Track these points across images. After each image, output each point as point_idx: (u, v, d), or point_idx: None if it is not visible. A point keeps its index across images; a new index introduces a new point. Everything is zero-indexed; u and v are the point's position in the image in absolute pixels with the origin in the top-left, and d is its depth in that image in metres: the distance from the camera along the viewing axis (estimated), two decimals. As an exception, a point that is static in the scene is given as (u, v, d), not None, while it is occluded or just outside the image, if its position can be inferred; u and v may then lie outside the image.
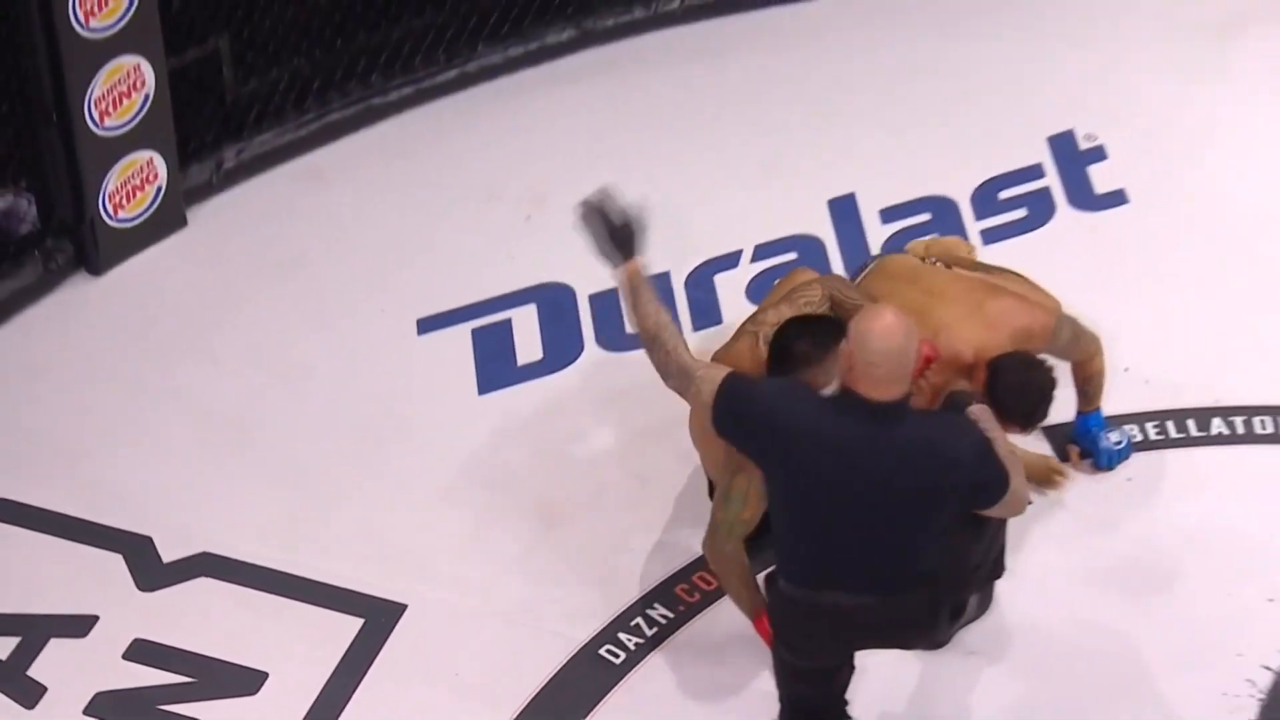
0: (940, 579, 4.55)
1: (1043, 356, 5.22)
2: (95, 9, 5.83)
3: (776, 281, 5.53)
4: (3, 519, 5.53)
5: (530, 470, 5.62)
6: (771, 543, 4.61)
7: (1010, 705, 5.04)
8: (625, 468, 5.59)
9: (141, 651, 5.22)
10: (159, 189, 6.23)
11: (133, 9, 5.89)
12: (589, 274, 6.11)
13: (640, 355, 5.83)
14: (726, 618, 5.20)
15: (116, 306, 6.14)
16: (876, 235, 6.14)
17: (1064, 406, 5.48)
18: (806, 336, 4.85)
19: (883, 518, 4.41)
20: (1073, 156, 6.40)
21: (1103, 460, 5.50)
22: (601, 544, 5.42)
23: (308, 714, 5.09)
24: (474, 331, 6.02)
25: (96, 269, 6.20)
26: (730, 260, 6.14)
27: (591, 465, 5.60)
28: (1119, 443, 5.51)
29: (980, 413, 4.58)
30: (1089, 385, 5.46)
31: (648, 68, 6.79)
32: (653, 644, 5.19)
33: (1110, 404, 5.54)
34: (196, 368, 5.93)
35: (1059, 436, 5.54)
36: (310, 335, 6.01)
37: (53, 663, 5.20)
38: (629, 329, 5.96)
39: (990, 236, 6.14)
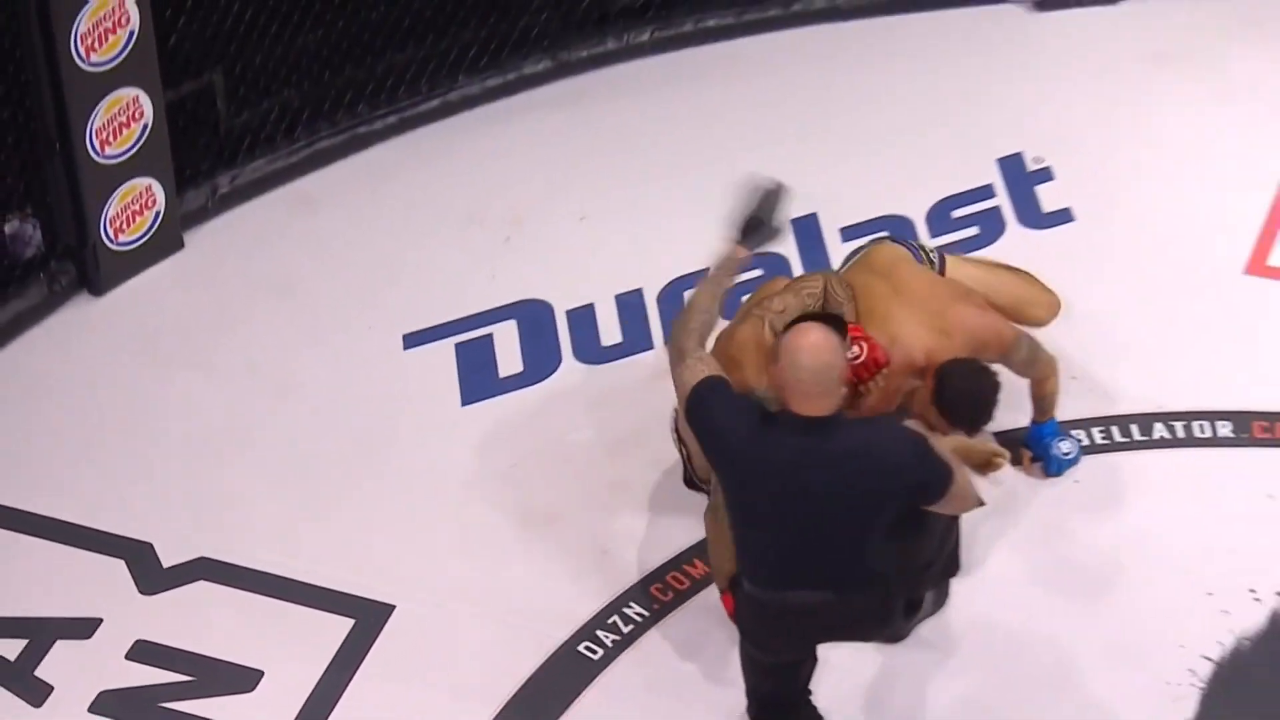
0: (893, 576, 4.57)
1: (995, 367, 5.25)
2: (96, 44, 5.83)
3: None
4: (10, 527, 5.52)
5: (512, 477, 5.62)
6: None
7: (964, 696, 5.05)
8: (602, 474, 5.59)
9: (143, 652, 5.21)
10: (157, 214, 6.23)
11: (131, 44, 5.90)
12: (566, 291, 6.14)
13: (614, 367, 5.91)
14: (697, 615, 5.21)
15: (117, 325, 6.13)
16: (837, 252, 6.15)
17: (1021, 414, 5.52)
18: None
19: (828, 524, 4.41)
20: (1021, 178, 6.42)
21: (1052, 467, 5.51)
22: (580, 546, 5.42)
23: (301, 710, 5.08)
24: (457, 346, 6.02)
25: (98, 290, 6.20)
26: (700, 276, 6.13)
27: (570, 472, 5.60)
28: (1069, 453, 5.51)
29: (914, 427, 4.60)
30: (1043, 401, 5.48)
31: (619, 96, 6.80)
32: (629, 640, 5.19)
33: (1060, 410, 5.55)
34: (193, 382, 5.92)
35: (1014, 442, 5.55)
36: (302, 351, 6.01)
37: (59, 663, 5.19)
38: (603, 343, 6.01)
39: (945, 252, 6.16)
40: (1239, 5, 6.98)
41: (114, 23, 5.84)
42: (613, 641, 5.19)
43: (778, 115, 6.69)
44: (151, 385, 5.92)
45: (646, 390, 5.60)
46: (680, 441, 5.34)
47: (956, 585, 5.18)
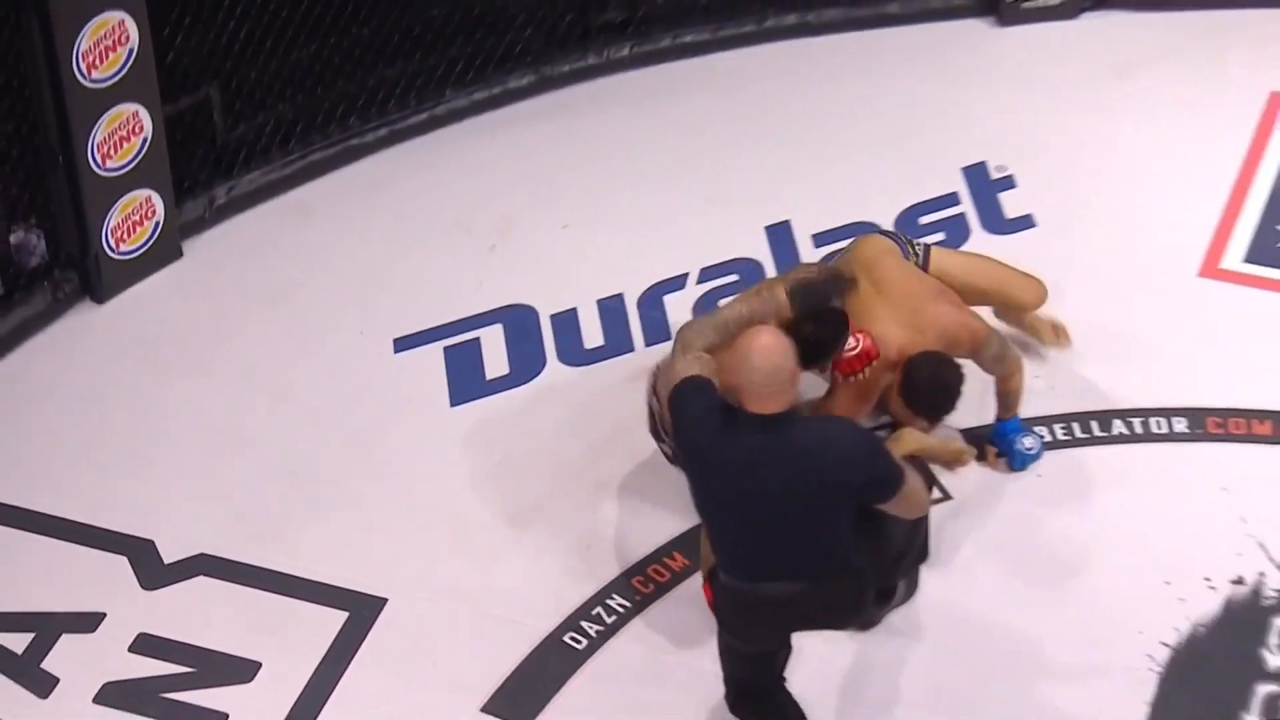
0: (863, 566, 4.58)
1: (961, 361, 5.26)
2: (97, 61, 5.82)
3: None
4: (17, 525, 5.51)
5: (499, 475, 5.61)
6: None
7: (933, 681, 5.05)
8: (585, 472, 5.59)
9: (145, 645, 5.20)
10: (157, 224, 6.22)
11: (131, 61, 5.89)
12: (550, 296, 6.15)
13: (597, 369, 5.91)
14: (677, 606, 5.22)
15: (119, 331, 6.12)
16: (810, 257, 6.16)
17: (987, 411, 5.54)
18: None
19: (789, 518, 4.43)
20: (985, 185, 6.43)
21: (1015, 462, 5.52)
22: (564, 541, 5.42)
23: (298, 700, 5.07)
24: (446, 350, 6.01)
25: (100, 297, 6.19)
26: (678, 282, 6.15)
27: (554, 469, 5.60)
28: (1031, 448, 5.52)
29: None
30: (1008, 398, 5.50)
31: (600, 109, 6.80)
32: (612, 631, 5.19)
33: (1023, 407, 5.56)
34: (193, 386, 5.91)
35: (979, 438, 5.56)
36: (297, 355, 6.00)
37: (64, 656, 5.18)
38: (587, 346, 6.02)
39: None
40: (1190, 21, 7.00)
41: (114, 41, 5.83)
42: (596, 632, 5.19)
43: (752, 127, 6.69)
44: (152, 389, 5.91)
45: (628, 391, 5.60)
46: (654, 393, 5.30)
47: (926, 575, 5.18)
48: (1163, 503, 5.44)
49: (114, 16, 5.80)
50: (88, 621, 5.25)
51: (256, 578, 5.35)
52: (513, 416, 5.79)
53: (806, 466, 4.37)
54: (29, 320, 6.09)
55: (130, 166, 6.05)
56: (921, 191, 6.37)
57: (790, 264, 6.15)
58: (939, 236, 6.22)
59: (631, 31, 6.93)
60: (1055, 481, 5.51)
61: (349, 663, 5.15)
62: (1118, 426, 5.65)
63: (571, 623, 5.21)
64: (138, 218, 6.15)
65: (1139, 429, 5.63)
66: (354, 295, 6.19)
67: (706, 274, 6.16)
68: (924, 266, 5.50)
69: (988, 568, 5.26)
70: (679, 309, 6.04)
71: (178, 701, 5.07)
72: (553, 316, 6.09)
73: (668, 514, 5.37)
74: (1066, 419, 5.66)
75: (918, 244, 5.57)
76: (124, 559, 5.41)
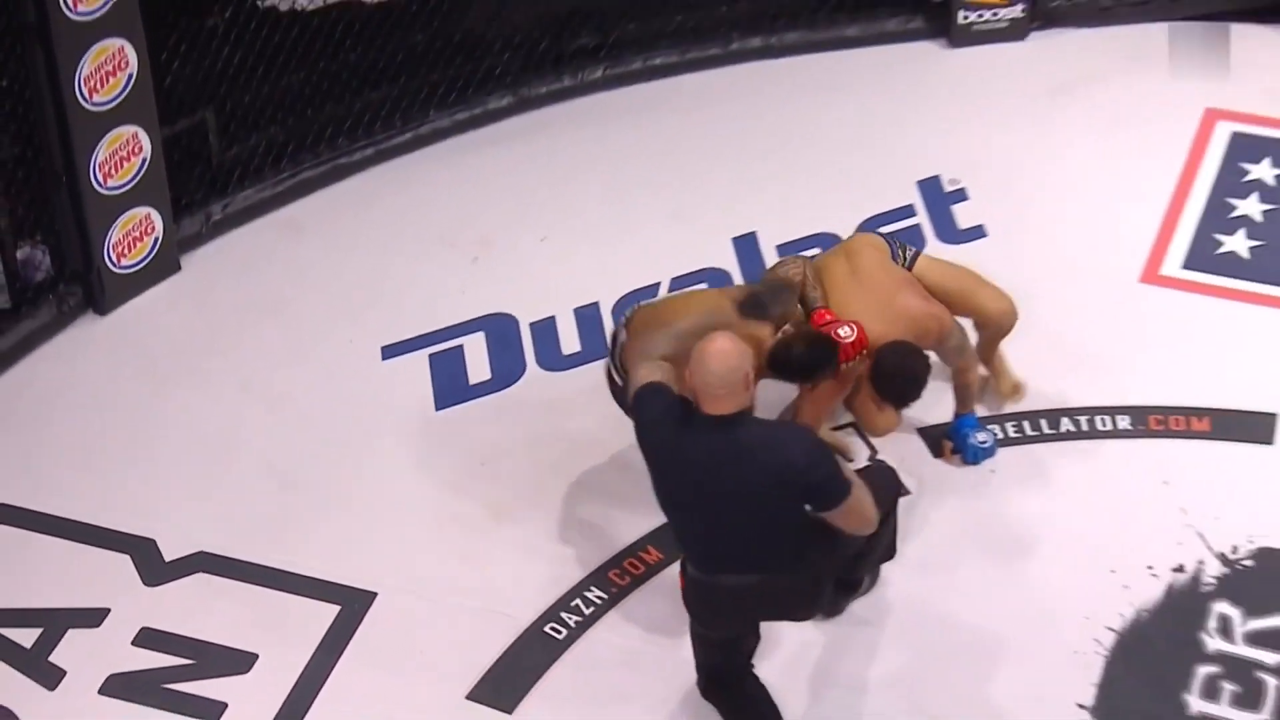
0: (817, 559, 4.57)
1: (927, 352, 5.28)
2: (98, 86, 5.81)
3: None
4: (25, 526, 5.50)
5: (482, 475, 5.61)
6: None
7: (894, 665, 5.06)
8: (563, 471, 5.59)
9: (148, 638, 5.19)
10: (156, 240, 6.21)
11: (130, 86, 5.88)
12: (530, 305, 6.14)
13: (574, 374, 5.91)
14: (651, 597, 5.22)
15: (120, 342, 6.11)
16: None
17: (945, 411, 5.56)
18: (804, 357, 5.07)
19: (740, 513, 4.43)
20: (939, 198, 6.44)
21: (969, 455, 5.53)
22: (544, 537, 5.42)
23: (293, 689, 5.06)
24: (431, 356, 6.01)
25: (102, 310, 6.17)
26: (651, 290, 6.15)
27: (534, 469, 5.60)
28: (985, 441, 5.53)
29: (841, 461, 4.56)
30: (964, 391, 5.51)
31: (576, 129, 6.80)
32: (590, 621, 5.19)
33: (978, 407, 5.59)
34: (191, 393, 5.90)
35: (937, 435, 5.59)
36: (290, 363, 6.00)
37: (71, 649, 5.17)
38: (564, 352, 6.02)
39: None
40: (1129, 40, 7.02)
41: (114, 66, 5.82)
42: (575, 622, 5.19)
43: (719, 144, 6.70)
44: (152, 396, 5.90)
45: (604, 394, 5.58)
46: (618, 370, 5.30)
47: (887, 566, 5.18)
48: (1108, 496, 5.45)
49: (114, 43, 5.79)
50: (93, 616, 5.24)
51: (253, 574, 5.34)
52: (495, 419, 5.79)
53: (752, 467, 4.38)
54: (35, 331, 6.07)
55: (130, 185, 6.04)
56: (879, 203, 6.38)
57: (757, 274, 6.17)
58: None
59: (604, 55, 6.94)
60: (1007, 476, 5.52)
61: (341, 654, 5.14)
62: (1065, 424, 5.66)
63: (552, 614, 5.21)
64: (138, 234, 6.14)
65: (1085, 426, 5.65)
66: (343, 306, 6.18)
67: (677, 283, 6.16)
68: (908, 270, 5.51)
69: (943, 557, 5.27)
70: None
71: (179, 692, 5.07)
72: (532, 324, 6.09)
73: (642, 510, 5.34)
74: (1018, 418, 5.68)
75: (908, 249, 5.59)
76: (127, 557, 5.40)
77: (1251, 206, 6.35)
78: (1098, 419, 5.66)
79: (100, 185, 5.96)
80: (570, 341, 6.03)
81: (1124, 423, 5.65)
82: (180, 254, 6.32)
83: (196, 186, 6.40)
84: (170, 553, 5.41)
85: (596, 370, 5.85)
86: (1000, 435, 5.61)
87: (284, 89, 6.52)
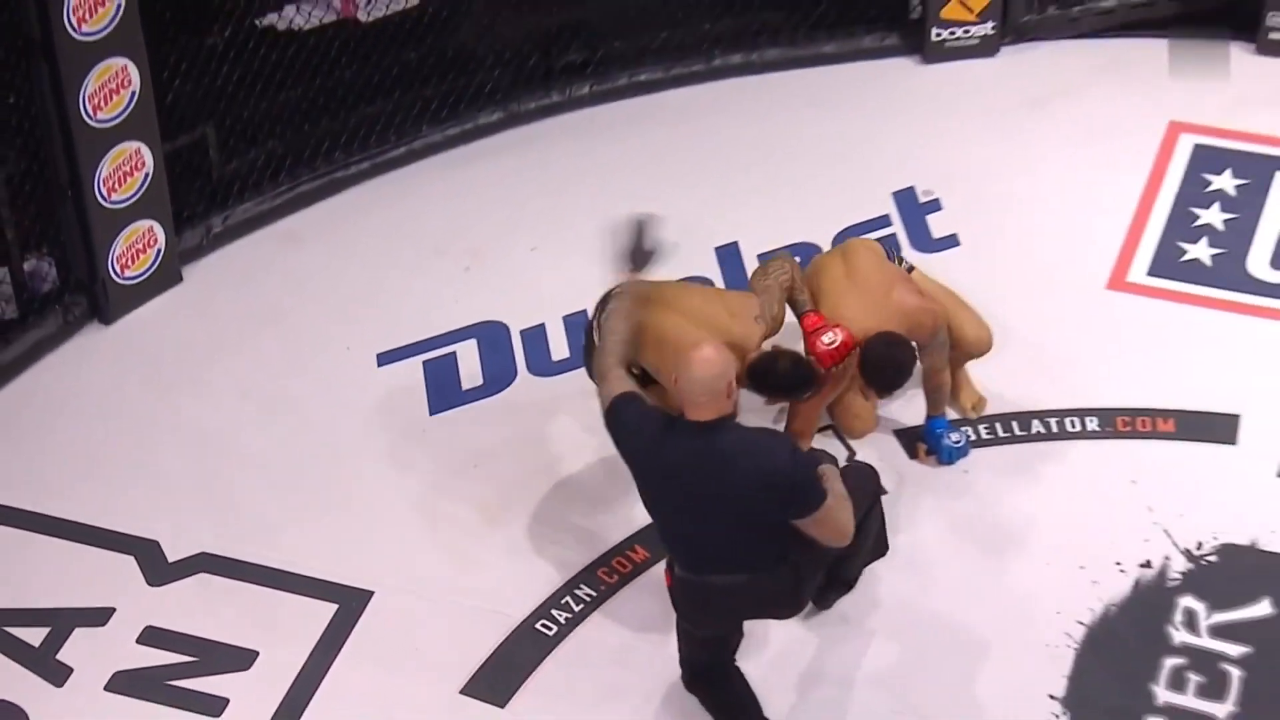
0: (799, 559, 4.57)
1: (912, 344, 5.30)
2: (102, 104, 5.81)
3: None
4: (33, 528, 5.49)
5: (474, 477, 5.61)
6: None
7: (874, 658, 5.07)
8: (553, 473, 5.59)
9: (152, 636, 5.18)
10: (158, 251, 6.20)
11: (133, 103, 5.88)
12: (520, 313, 6.14)
13: (563, 379, 5.91)
14: (639, 594, 5.22)
15: (124, 350, 6.10)
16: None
17: (920, 414, 5.57)
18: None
19: (725, 514, 4.43)
20: (913, 208, 6.45)
21: (944, 456, 5.54)
22: (535, 537, 5.42)
23: (292, 685, 5.06)
24: (425, 363, 6.01)
25: (107, 319, 6.16)
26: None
27: (525, 471, 5.60)
28: (958, 442, 5.54)
29: (829, 472, 4.56)
30: (936, 393, 5.51)
31: (564, 142, 6.80)
32: (580, 618, 5.19)
33: (950, 409, 5.60)
34: (193, 399, 5.90)
35: (912, 437, 5.60)
36: (288, 370, 5.99)
37: (77, 648, 5.16)
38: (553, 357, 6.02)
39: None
40: (1096, 54, 7.05)
41: (118, 84, 5.82)
42: (565, 619, 5.19)
43: (702, 157, 6.70)
44: (156, 403, 5.89)
45: (592, 398, 5.55)
46: (599, 329, 5.28)
47: (869, 563, 5.19)
48: (1077, 495, 5.46)
49: (117, 62, 5.79)
50: (98, 616, 5.23)
51: (253, 574, 5.33)
52: (487, 423, 5.79)
53: (733, 472, 4.38)
54: (42, 341, 6.06)
55: (133, 199, 6.03)
56: (856, 214, 6.39)
57: (739, 282, 6.18)
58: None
59: (591, 71, 6.94)
60: (980, 477, 5.53)
61: (339, 650, 5.14)
62: (1036, 426, 5.67)
63: (543, 611, 5.21)
64: (141, 246, 6.14)
65: (1055, 428, 5.66)
66: (340, 315, 6.18)
67: (662, 291, 6.17)
68: None
69: (919, 555, 5.28)
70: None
71: (182, 688, 5.06)
72: (522, 331, 6.08)
73: (629, 510, 5.36)
74: (990, 420, 5.68)
75: (903, 261, 5.60)
76: (131, 558, 5.39)
77: (1214, 216, 6.38)
78: (1067, 420, 5.67)
79: (104, 199, 5.96)
80: (560, 348, 6.03)
81: (1093, 424, 5.66)
82: (182, 265, 6.31)
83: (197, 200, 6.40)
84: (173, 554, 5.40)
85: (584, 376, 5.84)
86: (974, 437, 5.61)
87: (281, 105, 6.52)
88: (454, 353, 6.03)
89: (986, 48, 7.04)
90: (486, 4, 6.82)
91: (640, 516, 5.32)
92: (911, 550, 5.28)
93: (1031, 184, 6.51)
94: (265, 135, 6.51)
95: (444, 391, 5.90)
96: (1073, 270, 6.17)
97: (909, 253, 6.25)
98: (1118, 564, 5.27)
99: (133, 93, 5.87)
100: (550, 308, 6.14)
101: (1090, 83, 6.91)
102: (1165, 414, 5.67)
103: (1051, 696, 4.96)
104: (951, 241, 6.31)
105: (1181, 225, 6.33)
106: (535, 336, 6.06)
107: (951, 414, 5.60)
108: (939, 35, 7.00)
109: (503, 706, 5.00)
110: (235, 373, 5.98)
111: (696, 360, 4.37)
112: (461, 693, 5.03)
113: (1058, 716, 4.93)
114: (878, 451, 5.54)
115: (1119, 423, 5.65)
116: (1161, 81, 6.89)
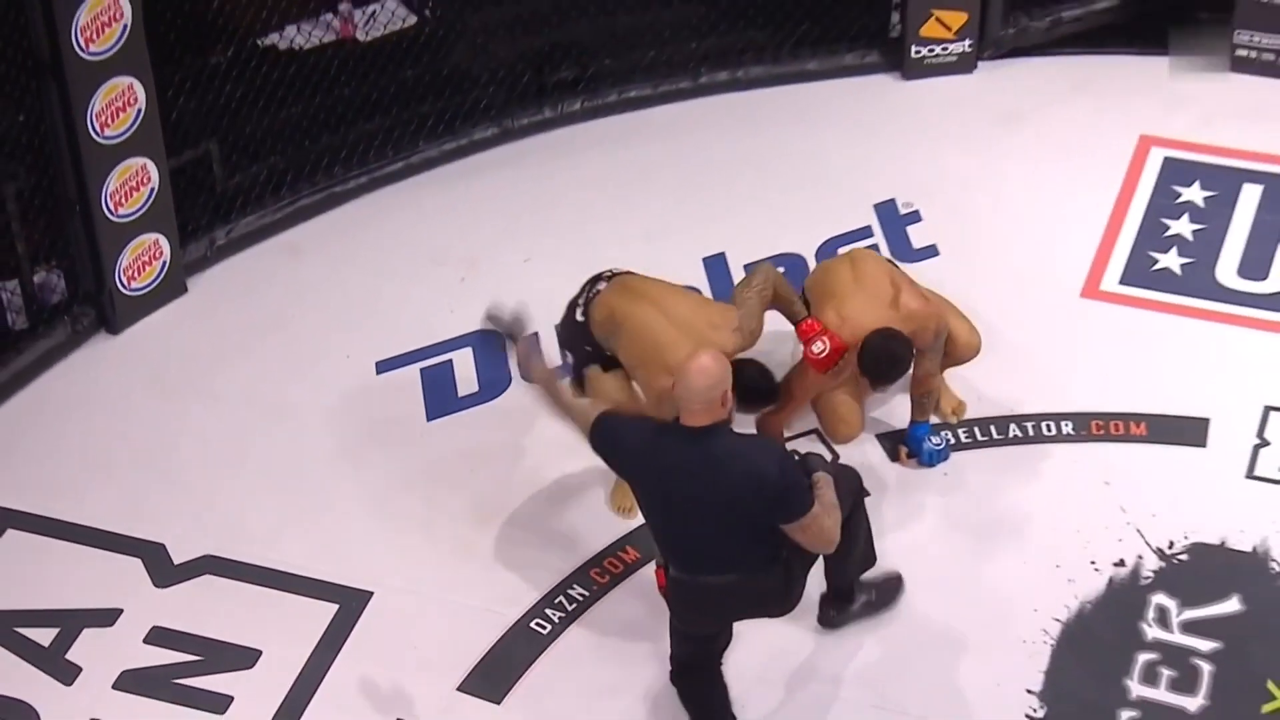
0: (790, 559, 4.57)
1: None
2: (109, 121, 5.80)
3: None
4: (42, 532, 5.48)
5: (470, 480, 5.61)
6: None
7: (856, 656, 5.07)
8: (546, 476, 5.59)
9: (159, 636, 5.18)
10: (164, 263, 6.20)
11: (139, 120, 5.87)
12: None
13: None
14: (630, 594, 5.22)
15: (131, 359, 6.09)
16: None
17: (904, 420, 5.57)
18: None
19: (718, 517, 4.43)
20: (894, 219, 6.45)
21: (925, 458, 5.55)
22: (529, 538, 5.42)
23: (294, 682, 5.06)
24: (422, 370, 6.00)
25: (114, 329, 6.15)
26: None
27: (519, 475, 5.60)
28: (939, 445, 5.55)
29: (823, 480, 4.55)
30: (925, 399, 5.52)
31: (556, 157, 6.80)
32: (573, 617, 5.19)
33: (932, 414, 5.60)
34: (198, 406, 5.89)
35: (894, 440, 5.60)
36: (290, 377, 5.98)
37: (86, 647, 5.15)
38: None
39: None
40: (1071, 71, 7.06)
41: (124, 102, 5.81)
42: (559, 618, 5.19)
43: (690, 170, 6.71)
44: (162, 410, 5.88)
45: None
46: (583, 310, 5.33)
47: (863, 572, 5.17)
48: (1053, 496, 5.47)
49: (123, 81, 5.79)
50: (106, 616, 5.23)
51: (257, 575, 5.33)
52: (482, 428, 5.78)
53: (726, 477, 4.38)
54: (51, 350, 6.05)
55: (140, 213, 6.03)
56: (839, 225, 6.39)
57: (725, 291, 6.18)
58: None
59: (582, 88, 6.94)
60: (959, 479, 5.53)
61: (340, 649, 5.13)
62: (1013, 430, 5.68)
63: (537, 610, 5.21)
64: (147, 258, 6.13)
65: (1031, 432, 5.67)
66: (340, 324, 6.17)
67: (651, 300, 6.17)
68: None
69: (900, 555, 5.27)
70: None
71: (188, 686, 5.05)
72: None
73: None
74: (968, 424, 5.69)
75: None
76: (138, 560, 5.39)
77: (1183, 226, 6.39)
78: (1043, 424, 5.68)
79: (111, 213, 5.95)
80: (552, 356, 6.02)
81: (1067, 428, 5.66)
82: (187, 276, 6.31)
83: (201, 213, 6.39)
84: (179, 556, 5.39)
85: (577, 383, 5.86)
86: (953, 440, 5.62)
87: (283, 122, 6.52)
88: (450, 360, 6.03)
89: (964, 64, 7.05)
90: (481, 24, 6.83)
91: (631, 519, 5.33)
92: (890, 549, 5.27)
93: (1008, 195, 6.52)
94: (267, 151, 6.51)
95: (440, 398, 5.90)
96: (1048, 279, 6.18)
97: (890, 262, 6.28)
98: (1092, 563, 5.27)
99: (139, 110, 5.86)
100: (543, 317, 6.13)
101: (1064, 99, 6.92)
102: (1137, 418, 5.67)
103: (1029, 691, 4.97)
104: (931, 251, 6.32)
105: (1152, 235, 6.34)
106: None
107: (932, 418, 5.61)
108: (918, 52, 7.01)
109: (498, 703, 5.00)
110: (239, 380, 5.97)
111: (694, 370, 4.38)
112: (458, 689, 5.03)
113: (1035, 710, 4.93)
114: (861, 454, 5.54)
115: (1093, 426, 5.66)
116: (1133, 97, 6.90)
